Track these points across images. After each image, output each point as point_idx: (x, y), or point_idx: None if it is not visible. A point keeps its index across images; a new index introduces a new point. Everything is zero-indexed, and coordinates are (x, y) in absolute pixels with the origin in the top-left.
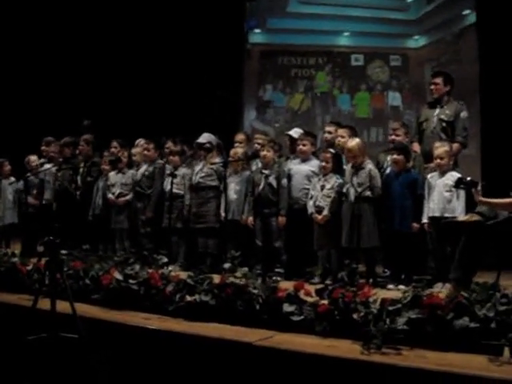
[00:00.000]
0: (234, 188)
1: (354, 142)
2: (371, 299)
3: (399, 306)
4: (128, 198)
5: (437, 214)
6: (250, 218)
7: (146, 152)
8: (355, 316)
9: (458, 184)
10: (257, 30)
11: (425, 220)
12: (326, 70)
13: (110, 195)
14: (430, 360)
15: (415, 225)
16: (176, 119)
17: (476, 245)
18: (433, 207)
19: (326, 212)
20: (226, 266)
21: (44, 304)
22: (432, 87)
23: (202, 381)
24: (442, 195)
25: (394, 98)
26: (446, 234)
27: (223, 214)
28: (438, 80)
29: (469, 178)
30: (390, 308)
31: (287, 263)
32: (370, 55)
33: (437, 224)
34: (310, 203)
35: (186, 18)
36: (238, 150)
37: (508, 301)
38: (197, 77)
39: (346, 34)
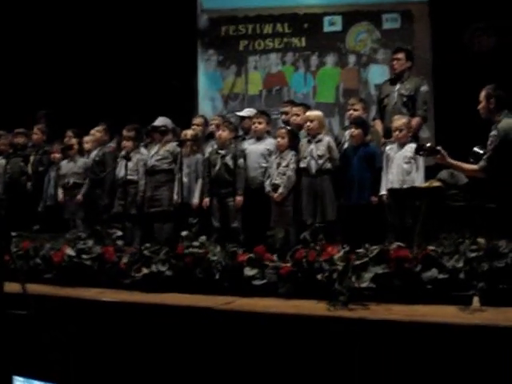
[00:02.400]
0: (184, 171)
1: (314, 112)
2: (336, 257)
3: (366, 259)
4: (83, 191)
5: (396, 186)
6: (206, 200)
7: (96, 133)
8: (320, 276)
9: (418, 151)
10: None
11: (383, 192)
12: (284, 41)
13: (60, 194)
14: (399, 313)
15: (374, 197)
16: (134, 106)
17: (437, 211)
18: (391, 179)
19: (281, 189)
20: (184, 233)
21: None
22: (394, 63)
23: (161, 351)
24: (401, 167)
25: (378, 74)
26: (406, 204)
27: (176, 197)
28: (400, 55)
29: (428, 144)
30: (356, 263)
31: (244, 243)
32: (352, 16)
33: (395, 196)
34: (267, 182)
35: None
36: (188, 132)
37: (477, 248)
38: (152, 65)
39: None
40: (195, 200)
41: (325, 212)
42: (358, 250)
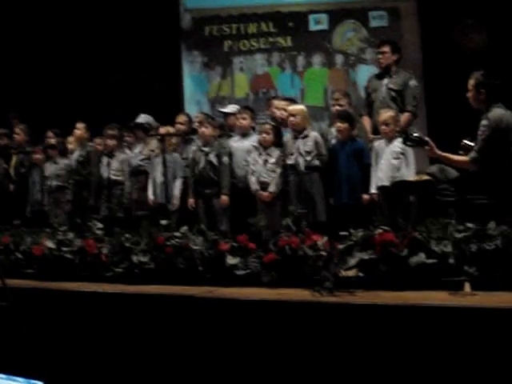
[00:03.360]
0: (160, 170)
1: (297, 106)
2: (320, 243)
3: (350, 243)
4: (68, 197)
5: (385, 183)
6: (191, 200)
7: (77, 132)
8: (304, 263)
9: (406, 141)
10: None
11: (373, 190)
12: (269, 41)
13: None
14: (387, 298)
15: (365, 196)
16: (116, 108)
17: (427, 206)
18: (381, 176)
19: (273, 188)
20: (164, 222)
21: None
22: (379, 56)
23: (144, 342)
24: (390, 163)
25: (367, 75)
26: (397, 203)
27: (152, 197)
28: (386, 49)
29: (416, 134)
30: (340, 247)
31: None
32: (338, 14)
33: (386, 194)
34: (253, 179)
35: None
36: (169, 129)
37: (465, 228)
38: (135, 66)
39: None
40: (174, 201)
41: (316, 212)
42: (342, 233)
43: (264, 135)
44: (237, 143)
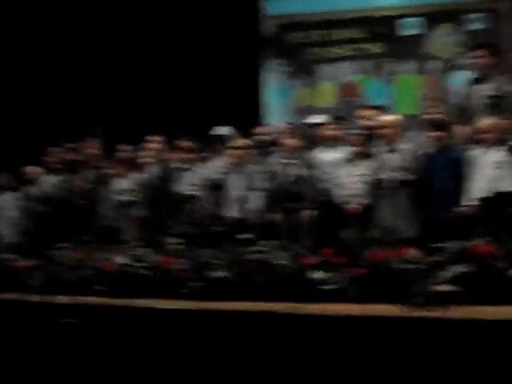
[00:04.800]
0: (238, 183)
1: (389, 117)
2: (411, 256)
3: (444, 255)
4: (140, 212)
5: (485, 195)
6: (273, 216)
7: (151, 146)
8: (393, 277)
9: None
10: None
11: (471, 202)
12: (357, 48)
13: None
14: (485, 313)
15: (461, 208)
16: (194, 116)
17: None
18: (479, 187)
19: (359, 200)
20: (243, 236)
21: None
22: (476, 61)
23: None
24: (490, 173)
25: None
26: (499, 214)
27: (229, 212)
28: (483, 52)
29: None
30: (434, 260)
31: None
32: (432, 17)
33: (486, 206)
34: (341, 192)
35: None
36: (246, 141)
37: None
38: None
39: None
40: (254, 215)
41: (407, 227)
42: (436, 246)
43: (353, 147)
44: (323, 155)
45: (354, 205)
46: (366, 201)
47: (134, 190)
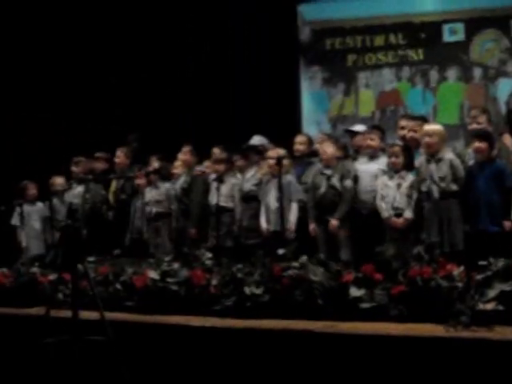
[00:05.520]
0: (273, 195)
1: (434, 126)
2: (455, 273)
3: (489, 273)
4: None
5: None
6: (312, 227)
7: (182, 156)
8: (436, 296)
9: None
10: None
11: None
12: (398, 54)
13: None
14: None
15: (507, 223)
16: (228, 126)
17: None
18: None
19: (408, 214)
20: (281, 251)
21: (67, 314)
22: None
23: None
24: None
25: (509, 89)
26: None
27: (265, 225)
28: None
29: None
30: (479, 278)
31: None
32: (476, 23)
33: None
34: (383, 205)
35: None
36: (280, 151)
37: None
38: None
39: None
40: (290, 228)
41: (453, 241)
42: (481, 263)
43: (393, 158)
44: (363, 166)
45: (398, 219)
46: (410, 215)
47: (164, 201)
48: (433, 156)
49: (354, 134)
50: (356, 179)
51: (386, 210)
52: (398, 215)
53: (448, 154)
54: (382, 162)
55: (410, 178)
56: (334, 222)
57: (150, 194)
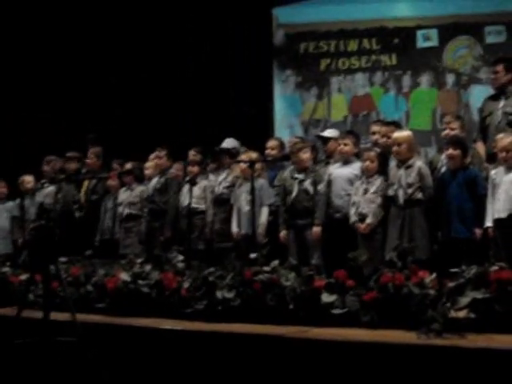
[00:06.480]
0: (245, 198)
1: (403, 133)
2: (427, 280)
3: (462, 280)
4: (143, 227)
5: (503, 216)
6: (283, 232)
7: (157, 160)
8: (408, 302)
9: None
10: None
11: (489, 223)
12: (372, 59)
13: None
14: (503, 342)
15: (478, 230)
16: (198, 128)
17: None
18: (498, 208)
19: (370, 219)
20: (253, 255)
21: (38, 315)
22: (492, 76)
23: None
24: (509, 194)
25: (481, 96)
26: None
27: (236, 229)
28: (499, 68)
29: None
30: (450, 285)
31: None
32: (450, 30)
33: (503, 227)
34: (352, 211)
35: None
36: (253, 155)
37: None
38: (221, 86)
39: None
40: (261, 231)
41: (422, 249)
42: (452, 270)
43: (367, 163)
44: (337, 170)
45: (362, 224)
46: (374, 220)
47: (137, 203)
48: (403, 162)
49: (327, 139)
50: (329, 183)
51: (353, 215)
52: (362, 220)
53: (418, 162)
54: (355, 166)
55: (378, 183)
56: (316, 230)
57: (124, 195)
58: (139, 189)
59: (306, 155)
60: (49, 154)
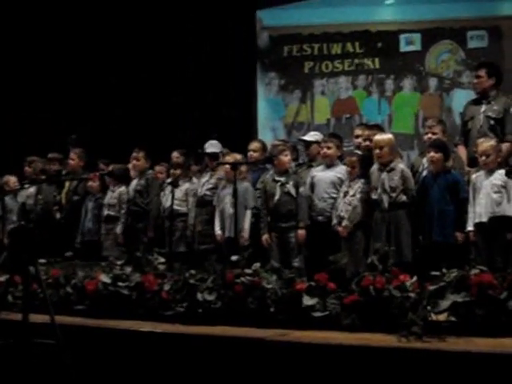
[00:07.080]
0: (230, 201)
1: (383, 136)
2: (408, 283)
3: (442, 284)
4: (119, 228)
5: (484, 220)
6: (265, 236)
7: (135, 161)
8: (389, 305)
9: (509, 173)
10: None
11: (470, 228)
12: (355, 63)
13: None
14: (482, 345)
15: (459, 234)
16: (181, 130)
17: None
18: (479, 212)
19: (345, 222)
20: (234, 258)
21: (17, 316)
22: (475, 81)
23: None
24: (490, 197)
25: (464, 100)
26: (496, 241)
27: (219, 232)
28: (481, 72)
29: None
30: (432, 288)
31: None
32: (433, 34)
33: (484, 231)
34: (334, 214)
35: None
36: (237, 157)
37: None
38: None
39: (389, 1)
40: (244, 234)
41: (400, 252)
42: (433, 274)
43: (349, 168)
44: (320, 173)
45: (341, 227)
46: (350, 223)
47: (116, 205)
48: (385, 165)
49: (310, 142)
50: (313, 187)
51: (334, 218)
52: (344, 223)
53: (400, 165)
54: (338, 170)
55: (357, 186)
56: (301, 232)
57: (107, 197)
58: (118, 190)
59: (286, 158)
60: (32, 154)
